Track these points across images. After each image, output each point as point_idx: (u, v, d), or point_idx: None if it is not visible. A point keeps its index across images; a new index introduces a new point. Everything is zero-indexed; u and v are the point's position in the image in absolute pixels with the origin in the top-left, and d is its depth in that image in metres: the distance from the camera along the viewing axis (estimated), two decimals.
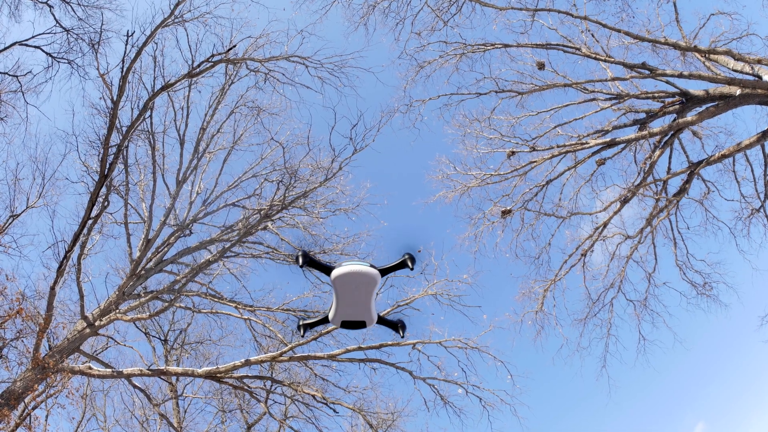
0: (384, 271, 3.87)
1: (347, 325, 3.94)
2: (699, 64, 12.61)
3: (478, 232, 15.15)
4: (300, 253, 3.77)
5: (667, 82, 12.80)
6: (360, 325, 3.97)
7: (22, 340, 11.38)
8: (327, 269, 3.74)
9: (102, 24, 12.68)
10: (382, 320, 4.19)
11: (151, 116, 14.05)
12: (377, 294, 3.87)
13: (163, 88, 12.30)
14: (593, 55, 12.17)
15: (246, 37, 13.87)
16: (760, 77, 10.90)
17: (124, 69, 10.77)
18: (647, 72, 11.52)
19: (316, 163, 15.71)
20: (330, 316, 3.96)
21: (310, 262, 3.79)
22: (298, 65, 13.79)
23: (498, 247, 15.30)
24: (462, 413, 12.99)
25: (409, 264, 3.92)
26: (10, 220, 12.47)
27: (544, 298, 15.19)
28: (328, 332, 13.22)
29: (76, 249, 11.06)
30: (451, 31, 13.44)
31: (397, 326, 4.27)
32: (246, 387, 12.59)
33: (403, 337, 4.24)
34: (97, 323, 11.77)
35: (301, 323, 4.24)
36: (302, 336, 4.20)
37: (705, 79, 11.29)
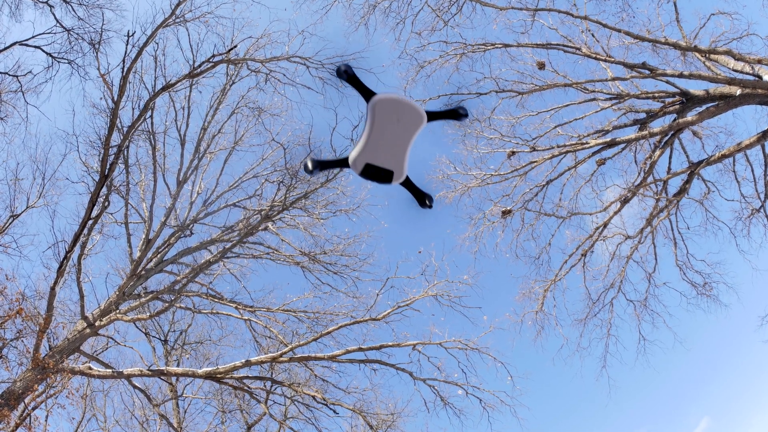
0: (432, 116, 3.24)
1: (369, 173, 3.17)
2: (699, 64, 12.61)
3: (479, 233, 15.15)
4: (343, 66, 3.20)
5: (668, 82, 12.81)
6: (385, 177, 3.18)
7: (22, 341, 11.37)
8: (369, 92, 3.18)
9: (102, 24, 12.72)
10: (409, 184, 3.32)
11: (151, 116, 14.08)
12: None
13: (164, 88, 12.32)
14: (593, 55, 12.18)
15: (247, 37, 13.86)
16: (760, 77, 10.91)
17: (125, 69, 10.78)
18: (647, 72, 11.53)
19: None
20: (352, 157, 3.19)
21: (352, 77, 3.23)
22: (299, 66, 13.80)
23: (498, 248, 15.30)
24: (462, 414, 12.99)
25: (462, 114, 3.32)
26: (10, 220, 12.46)
27: (544, 298, 15.18)
28: (328, 333, 13.21)
29: (77, 249, 11.06)
30: (452, 30, 13.46)
31: (424, 199, 3.39)
32: (246, 387, 12.57)
33: (428, 204, 3.40)
34: (97, 323, 11.75)
35: (312, 159, 3.27)
36: (310, 174, 3.28)
37: (705, 79, 11.30)
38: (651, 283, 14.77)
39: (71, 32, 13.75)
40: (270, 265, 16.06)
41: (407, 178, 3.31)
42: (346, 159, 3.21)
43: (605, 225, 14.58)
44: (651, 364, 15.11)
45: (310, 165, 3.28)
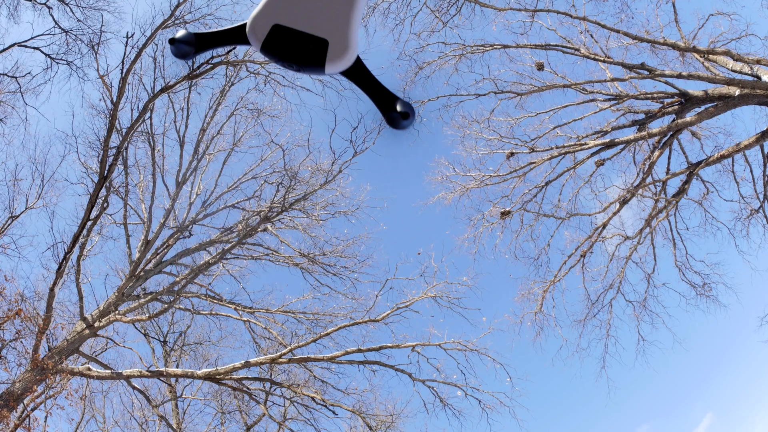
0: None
1: (283, 46, 1.25)
2: (698, 64, 12.62)
3: (478, 234, 15.16)
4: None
5: (666, 83, 12.81)
6: (314, 54, 1.28)
7: (21, 341, 11.38)
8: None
9: (101, 25, 12.73)
10: (366, 77, 1.44)
11: (150, 117, 14.09)
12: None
13: (163, 90, 12.32)
14: (592, 56, 12.19)
15: None
16: (759, 77, 10.92)
17: (124, 70, 10.81)
18: (646, 72, 11.54)
19: (316, 166, 15.77)
20: (251, 17, 1.25)
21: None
22: None
23: (497, 249, 15.31)
24: (461, 415, 13.01)
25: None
26: (9, 221, 12.47)
27: (543, 299, 15.17)
28: (327, 334, 13.21)
29: (76, 250, 11.06)
30: (451, 32, 13.47)
31: (395, 107, 1.34)
32: (245, 388, 12.57)
33: (404, 124, 1.35)
34: (96, 324, 11.75)
35: (185, 33, 1.36)
36: (182, 57, 1.32)
37: (704, 80, 11.30)
38: (650, 283, 14.78)
39: (69, 34, 13.79)
40: (269, 266, 16.10)
41: (363, 66, 1.49)
42: (243, 27, 1.32)
43: (604, 226, 14.58)
44: (650, 365, 15.18)
45: (181, 43, 1.35)
